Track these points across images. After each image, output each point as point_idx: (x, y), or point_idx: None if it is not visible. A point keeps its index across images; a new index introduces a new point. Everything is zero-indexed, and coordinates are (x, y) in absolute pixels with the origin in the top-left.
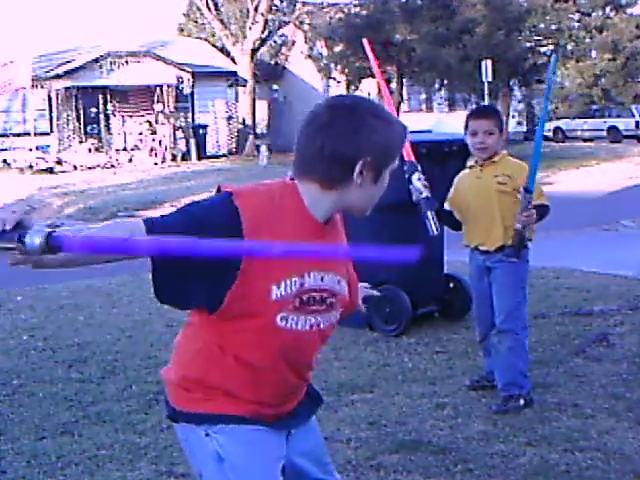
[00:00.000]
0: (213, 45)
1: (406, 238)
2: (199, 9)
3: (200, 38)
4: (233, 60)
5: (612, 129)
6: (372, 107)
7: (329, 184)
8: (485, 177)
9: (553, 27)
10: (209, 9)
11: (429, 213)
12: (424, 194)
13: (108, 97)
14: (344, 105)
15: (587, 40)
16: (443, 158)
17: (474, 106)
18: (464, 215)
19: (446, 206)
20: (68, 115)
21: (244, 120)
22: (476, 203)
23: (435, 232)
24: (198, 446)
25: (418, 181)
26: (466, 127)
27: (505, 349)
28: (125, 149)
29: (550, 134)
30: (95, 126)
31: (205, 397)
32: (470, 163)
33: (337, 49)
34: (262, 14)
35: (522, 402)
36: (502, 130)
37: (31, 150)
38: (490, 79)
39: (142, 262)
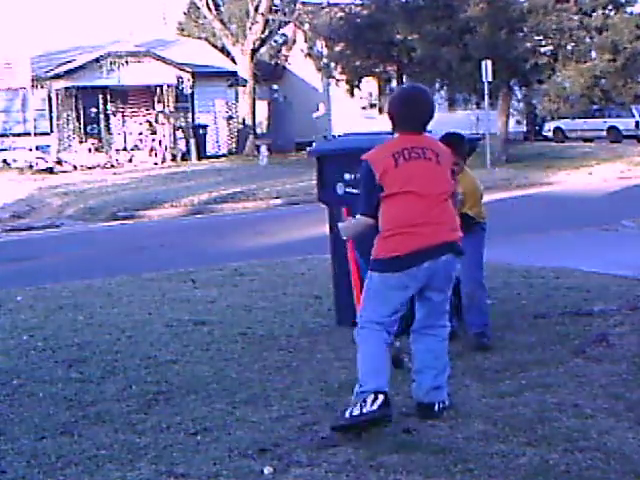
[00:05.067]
0: (213, 45)
1: None
2: (199, 9)
3: (200, 38)
4: (233, 60)
5: (612, 129)
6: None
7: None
8: None
9: (554, 27)
10: (209, 9)
11: None
12: None
13: (108, 97)
14: (421, 90)
15: (587, 40)
16: None
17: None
18: None
19: None
20: (68, 115)
21: (244, 120)
22: None
23: None
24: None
25: None
26: None
27: (478, 296)
28: (125, 149)
29: (550, 134)
30: (95, 126)
31: None
32: None
33: (337, 48)
34: (262, 14)
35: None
36: (465, 157)
37: (31, 150)
38: (490, 79)
39: (141, 262)
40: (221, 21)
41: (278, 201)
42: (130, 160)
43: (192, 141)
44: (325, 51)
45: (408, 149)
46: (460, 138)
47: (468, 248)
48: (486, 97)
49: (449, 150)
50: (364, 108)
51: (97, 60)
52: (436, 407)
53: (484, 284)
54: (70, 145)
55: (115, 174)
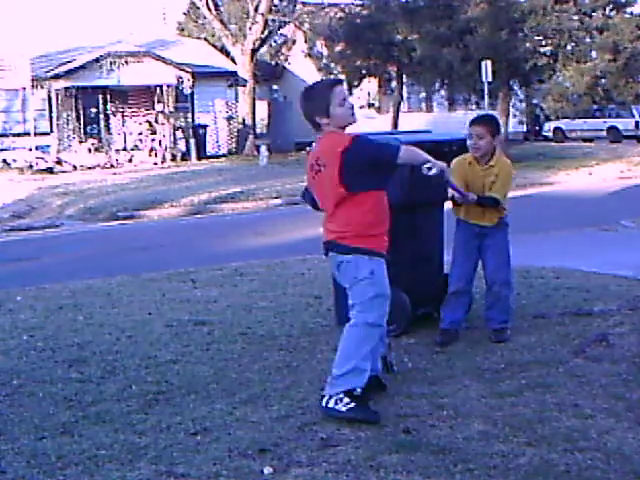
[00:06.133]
0: (213, 45)
1: (408, 236)
2: (199, 9)
3: (200, 38)
4: (233, 60)
5: (612, 129)
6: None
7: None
8: (485, 177)
9: (553, 28)
10: (209, 9)
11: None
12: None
13: (108, 97)
14: (303, 92)
15: (587, 40)
16: (443, 158)
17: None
18: None
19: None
20: (68, 115)
21: (244, 120)
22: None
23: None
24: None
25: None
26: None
27: (504, 296)
28: (125, 149)
29: (550, 134)
30: (95, 126)
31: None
32: (470, 159)
33: (337, 48)
34: (262, 14)
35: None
36: (495, 135)
37: (31, 150)
38: (490, 79)
39: (141, 262)
40: (221, 21)
41: (278, 201)
42: (130, 160)
43: (192, 141)
44: (325, 51)
45: (313, 164)
46: (494, 118)
47: (494, 247)
48: (486, 97)
49: (337, 151)
50: (362, 107)
51: (97, 60)
52: (324, 401)
53: (511, 283)
54: (70, 145)
55: (115, 174)
